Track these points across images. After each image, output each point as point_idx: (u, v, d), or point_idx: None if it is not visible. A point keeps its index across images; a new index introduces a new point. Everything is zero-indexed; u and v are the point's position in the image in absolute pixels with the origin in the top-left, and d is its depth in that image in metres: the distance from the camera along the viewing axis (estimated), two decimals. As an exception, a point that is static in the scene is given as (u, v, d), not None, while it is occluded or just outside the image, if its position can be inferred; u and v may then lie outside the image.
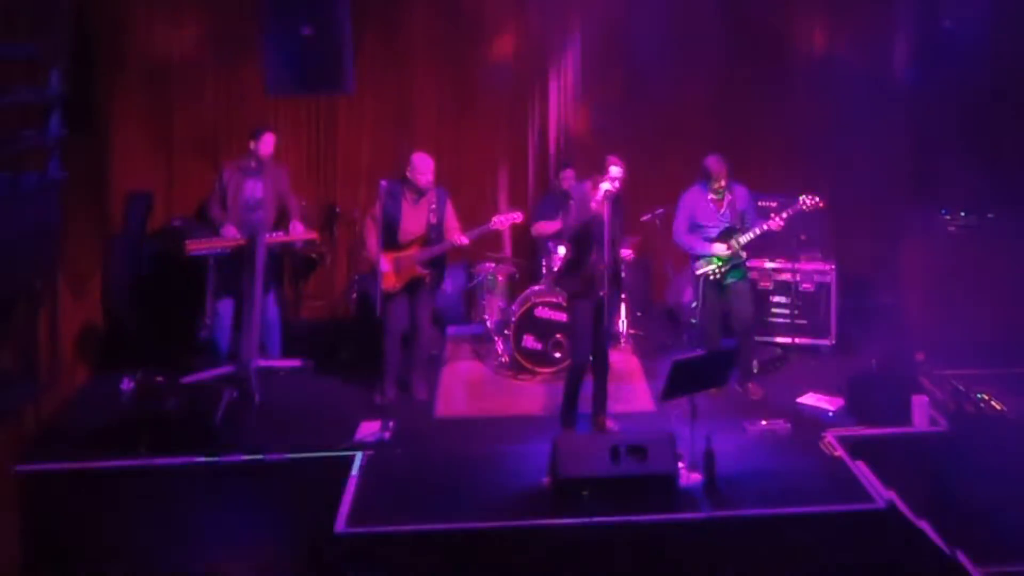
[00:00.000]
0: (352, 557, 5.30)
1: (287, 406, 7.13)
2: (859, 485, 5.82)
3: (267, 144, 7.65)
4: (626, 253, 6.56)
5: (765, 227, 7.02)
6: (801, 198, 7.11)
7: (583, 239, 6.48)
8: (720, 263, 7.11)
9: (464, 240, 7.17)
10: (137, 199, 8.45)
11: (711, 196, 7.15)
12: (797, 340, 7.99)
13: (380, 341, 7.17)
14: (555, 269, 7.91)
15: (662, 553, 5.31)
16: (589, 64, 9.25)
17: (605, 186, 6.35)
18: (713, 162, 7.08)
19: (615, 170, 6.42)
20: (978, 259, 8.04)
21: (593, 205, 6.34)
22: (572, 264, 6.63)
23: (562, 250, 7.78)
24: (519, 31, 9.18)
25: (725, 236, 7.10)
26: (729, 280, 7.16)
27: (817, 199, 7.10)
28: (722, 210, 7.16)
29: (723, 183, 7.08)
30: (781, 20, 9.16)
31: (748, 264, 7.45)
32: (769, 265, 8.12)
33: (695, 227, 7.19)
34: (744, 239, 7.06)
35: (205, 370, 7.39)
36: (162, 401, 6.40)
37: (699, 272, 7.19)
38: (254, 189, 7.65)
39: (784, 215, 7.05)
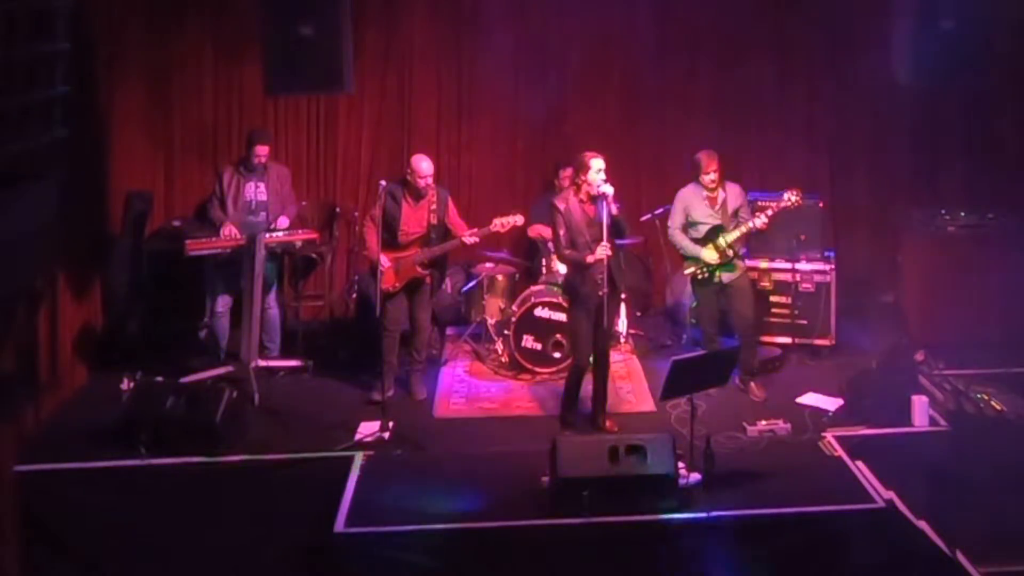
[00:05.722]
0: (352, 557, 5.30)
1: (287, 406, 7.13)
2: (859, 485, 5.82)
3: (257, 152, 7.59)
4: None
5: (751, 225, 7.02)
6: (785, 195, 7.10)
7: (583, 243, 6.49)
8: (706, 263, 7.11)
9: (475, 239, 7.14)
10: (137, 199, 8.44)
11: (705, 193, 7.15)
12: (797, 340, 7.98)
13: (379, 341, 7.17)
14: (554, 270, 7.91)
15: (662, 553, 5.31)
16: (589, 64, 9.24)
17: (603, 189, 6.36)
18: (703, 155, 7.10)
19: (591, 176, 6.39)
20: (978, 259, 8.03)
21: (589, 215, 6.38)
22: (573, 267, 6.63)
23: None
24: (519, 31, 9.17)
25: (712, 234, 7.09)
26: (725, 279, 7.15)
27: (796, 197, 7.05)
28: (715, 207, 7.15)
29: (714, 176, 7.06)
30: (781, 20, 9.16)
31: (747, 263, 7.46)
32: (769, 265, 8.11)
33: (689, 224, 7.20)
34: (731, 237, 7.06)
35: (205, 370, 7.39)
36: (162, 401, 6.39)
37: (686, 272, 7.22)
38: (255, 192, 7.64)
39: (768, 213, 7.03)
